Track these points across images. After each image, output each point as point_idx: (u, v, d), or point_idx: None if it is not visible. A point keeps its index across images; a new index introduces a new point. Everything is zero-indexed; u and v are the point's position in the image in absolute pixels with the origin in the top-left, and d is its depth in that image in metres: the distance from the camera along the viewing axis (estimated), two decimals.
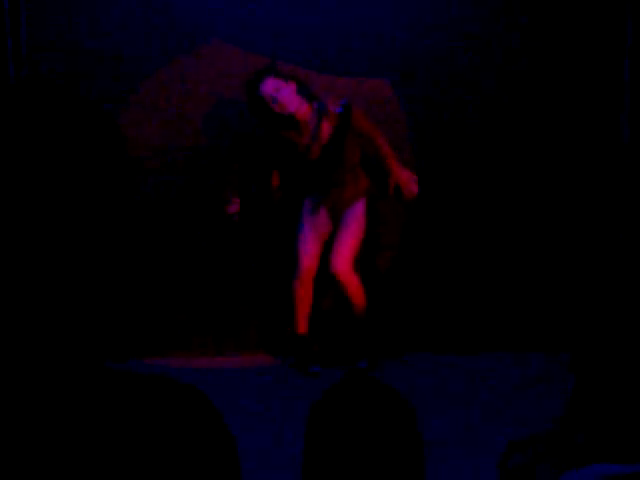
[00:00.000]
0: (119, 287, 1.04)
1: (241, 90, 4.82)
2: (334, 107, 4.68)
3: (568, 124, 5.22)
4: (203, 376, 4.54)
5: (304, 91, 4.63)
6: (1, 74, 4.83)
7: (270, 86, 4.52)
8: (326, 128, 4.70)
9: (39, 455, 0.94)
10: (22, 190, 0.94)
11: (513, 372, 4.86)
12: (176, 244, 5.19)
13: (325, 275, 5.21)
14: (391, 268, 5.25)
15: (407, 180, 4.76)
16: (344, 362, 5.05)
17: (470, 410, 4.33)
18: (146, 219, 5.03)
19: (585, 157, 5.22)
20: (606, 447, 1.58)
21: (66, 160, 0.96)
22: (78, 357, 0.99)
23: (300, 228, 4.91)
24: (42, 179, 0.94)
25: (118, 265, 1.02)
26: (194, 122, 5.14)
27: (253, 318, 5.31)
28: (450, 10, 5.14)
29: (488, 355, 5.08)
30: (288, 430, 4.00)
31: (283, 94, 4.53)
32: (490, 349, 5.16)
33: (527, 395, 4.51)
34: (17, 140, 0.95)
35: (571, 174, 5.23)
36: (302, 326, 4.96)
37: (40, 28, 4.98)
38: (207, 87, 5.10)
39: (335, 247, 4.79)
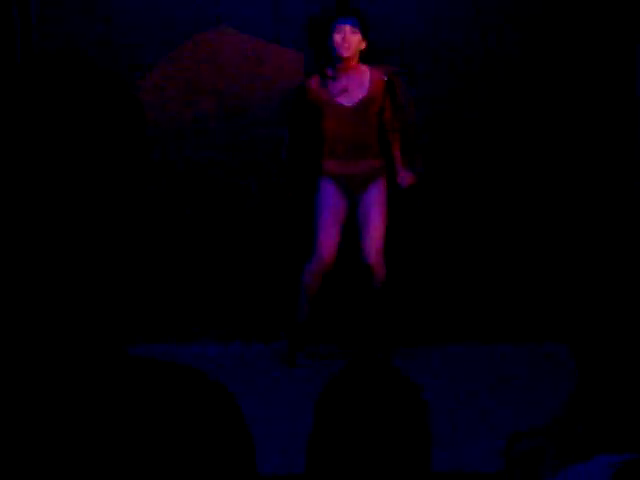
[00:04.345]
0: (132, 273, 1.03)
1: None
2: (380, 74, 4.83)
3: (575, 123, 5.18)
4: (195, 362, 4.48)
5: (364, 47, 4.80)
6: (9, 60, 4.85)
7: (349, 28, 4.69)
8: (362, 90, 4.80)
9: (64, 442, 0.92)
10: (40, 167, 0.93)
11: (519, 362, 4.89)
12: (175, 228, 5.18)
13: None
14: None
15: (406, 171, 4.91)
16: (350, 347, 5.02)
17: (475, 399, 4.36)
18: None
19: (593, 159, 5.19)
20: (608, 437, 1.60)
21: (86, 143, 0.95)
22: (98, 345, 0.98)
23: (319, 215, 4.84)
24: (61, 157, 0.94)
25: (132, 250, 1.02)
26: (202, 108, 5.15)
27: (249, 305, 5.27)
28: (453, 9, 5.14)
29: (494, 345, 5.11)
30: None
31: (351, 39, 4.71)
32: (496, 340, 5.17)
33: (532, 384, 4.53)
34: (35, 115, 0.94)
35: (574, 172, 5.22)
36: (303, 315, 4.88)
37: (45, 20, 4.99)
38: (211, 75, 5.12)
39: (366, 239, 4.81)
